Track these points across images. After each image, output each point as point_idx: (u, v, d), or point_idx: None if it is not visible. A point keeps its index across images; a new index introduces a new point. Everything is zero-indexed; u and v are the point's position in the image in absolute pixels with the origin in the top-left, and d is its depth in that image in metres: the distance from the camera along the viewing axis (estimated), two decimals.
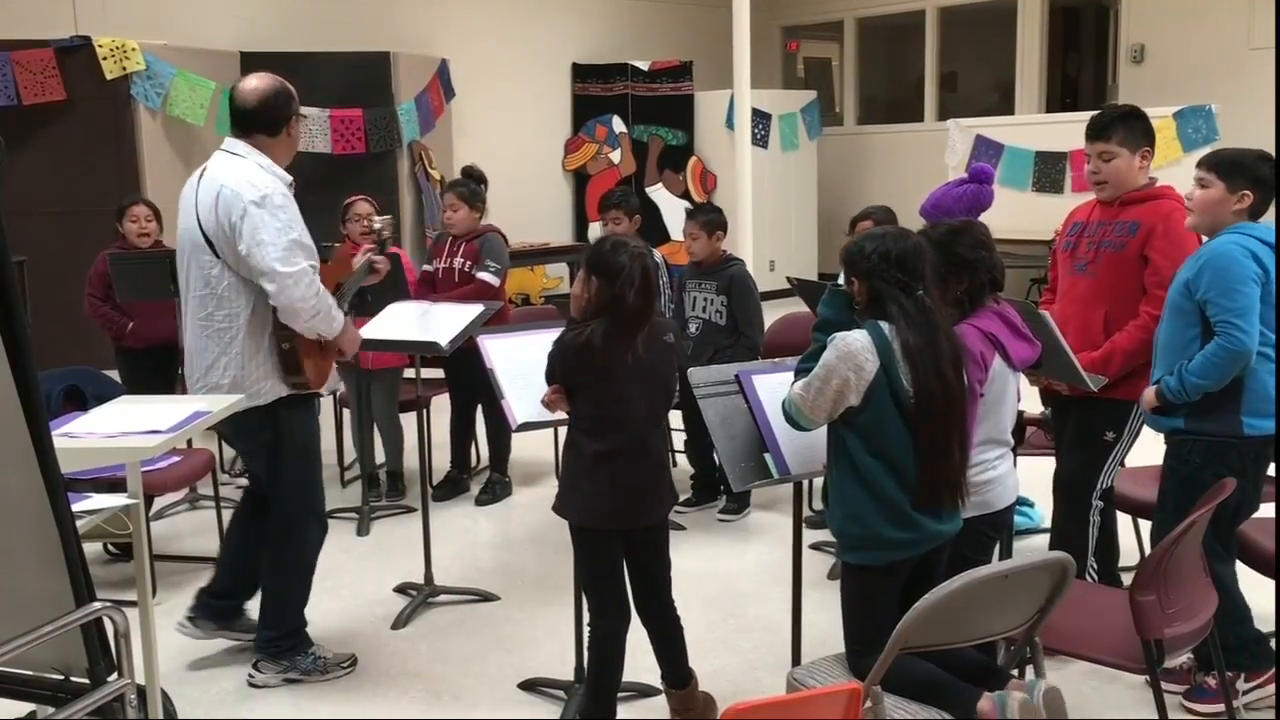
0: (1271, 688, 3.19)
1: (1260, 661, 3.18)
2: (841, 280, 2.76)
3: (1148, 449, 3.81)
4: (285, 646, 3.59)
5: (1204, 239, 3.22)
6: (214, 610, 3.70)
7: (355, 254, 4.12)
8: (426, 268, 5.47)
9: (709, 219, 5.14)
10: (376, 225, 3.95)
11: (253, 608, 3.72)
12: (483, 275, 5.21)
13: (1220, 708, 3.15)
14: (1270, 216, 3.15)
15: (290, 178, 3.41)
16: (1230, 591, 3.11)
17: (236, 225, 3.22)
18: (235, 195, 3.23)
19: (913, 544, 2.61)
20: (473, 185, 5.35)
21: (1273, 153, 3.11)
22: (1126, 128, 3.48)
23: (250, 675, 3.57)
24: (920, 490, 2.58)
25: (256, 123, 3.37)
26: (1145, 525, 3.98)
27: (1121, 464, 3.64)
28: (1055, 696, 2.42)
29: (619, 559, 3.04)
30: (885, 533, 2.59)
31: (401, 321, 4.26)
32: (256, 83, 3.38)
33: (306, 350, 3.39)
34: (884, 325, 2.59)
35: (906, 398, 2.55)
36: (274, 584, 3.59)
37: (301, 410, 3.49)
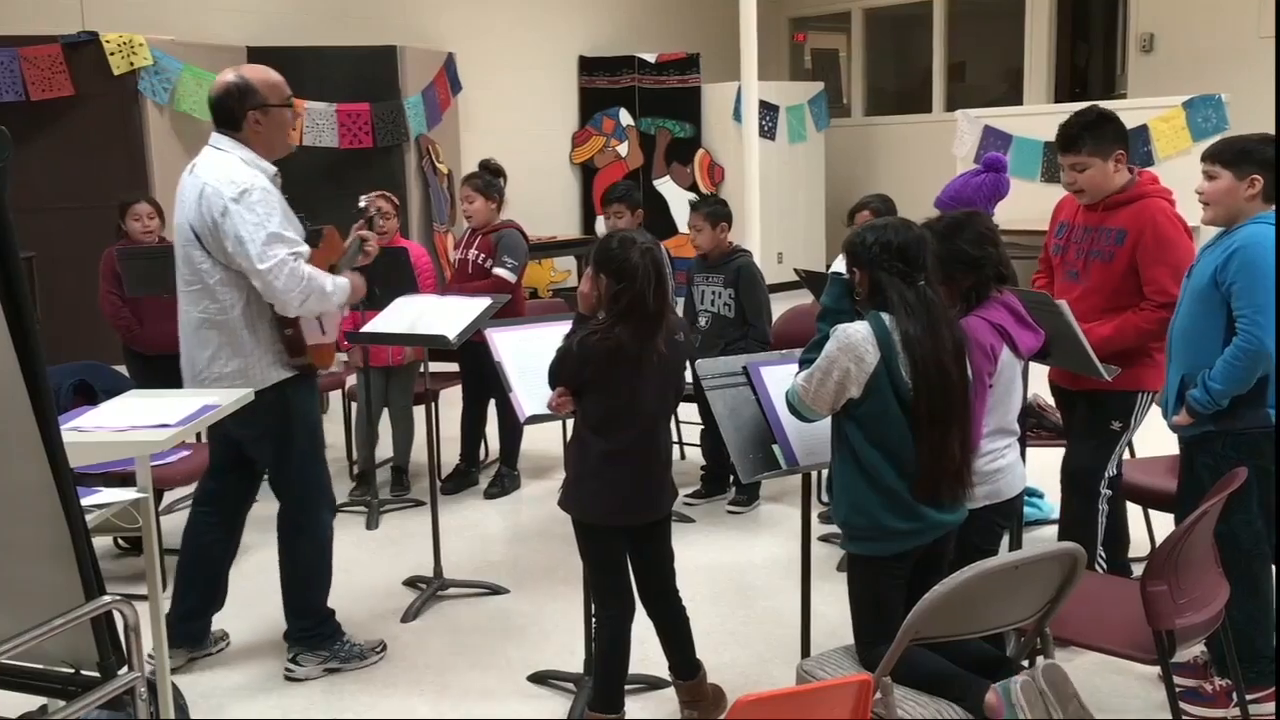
0: (1270, 706, 3.11)
1: (1263, 678, 3.10)
2: (838, 266, 2.75)
3: (1158, 439, 3.80)
4: (324, 634, 3.60)
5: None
6: (190, 634, 3.61)
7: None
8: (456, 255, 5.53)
9: (712, 210, 5.13)
10: (362, 204, 3.94)
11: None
12: (500, 271, 5.22)
13: (1213, 713, 3.11)
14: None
15: (273, 169, 3.41)
16: (1264, 598, 3.06)
17: (219, 223, 3.25)
18: (216, 193, 3.26)
19: (916, 534, 2.60)
20: (488, 177, 5.36)
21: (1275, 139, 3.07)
22: (1095, 136, 3.44)
23: (289, 669, 3.56)
24: (919, 482, 2.57)
25: (217, 118, 3.40)
26: (1156, 516, 3.98)
27: (1129, 454, 3.63)
28: (1055, 671, 2.40)
29: (623, 552, 3.04)
30: (889, 523, 2.58)
31: (409, 314, 4.27)
32: (220, 77, 3.40)
33: (309, 332, 3.41)
34: (885, 316, 2.57)
35: (906, 389, 2.54)
36: (299, 573, 3.58)
37: (305, 389, 3.49)
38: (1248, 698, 3.05)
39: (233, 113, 3.36)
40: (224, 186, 3.25)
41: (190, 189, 3.33)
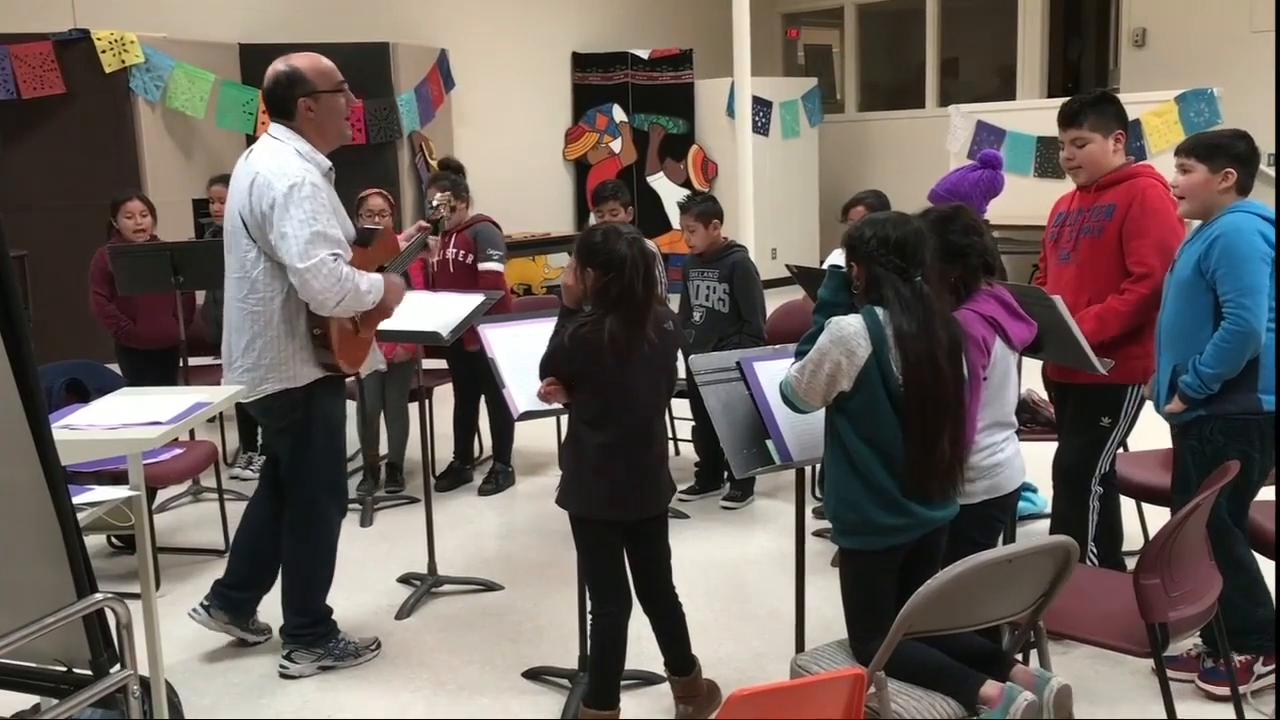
0: None
1: (1273, 646, 3.15)
2: (836, 259, 2.75)
3: (1152, 433, 3.81)
4: (319, 633, 3.59)
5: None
6: (231, 602, 3.65)
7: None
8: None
9: (702, 209, 5.13)
10: (435, 203, 3.98)
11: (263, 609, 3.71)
12: (488, 265, 5.22)
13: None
14: (1270, 197, 3.13)
15: (328, 163, 3.41)
16: (1251, 573, 3.11)
17: (267, 215, 3.24)
18: (267, 184, 3.24)
19: (906, 530, 2.60)
20: (453, 177, 5.39)
21: (1274, 135, 3.10)
22: (1097, 112, 3.50)
23: (283, 666, 3.56)
24: (907, 478, 2.57)
25: (271, 108, 3.40)
26: (1149, 509, 3.99)
27: (1123, 448, 3.63)
28: (1065, 697, 2.41)
29: (620, 548, 3.04)
30: (878, 518, 2.58)
31: (403, 311, 4.25)
32: (271, 68, 3.39)
33: (339, 334, 3.38)
34: (879, 311, 2.57)
35: (897, 385, 2.54)
36: (300, 568, 3.57)
37: (332, 392, 3.49)
38: (1262, 669, 3.14)
39: (285, 102, 3.36)
40: (275, 179, 3.24)
41: (243, 176, 3.33)
